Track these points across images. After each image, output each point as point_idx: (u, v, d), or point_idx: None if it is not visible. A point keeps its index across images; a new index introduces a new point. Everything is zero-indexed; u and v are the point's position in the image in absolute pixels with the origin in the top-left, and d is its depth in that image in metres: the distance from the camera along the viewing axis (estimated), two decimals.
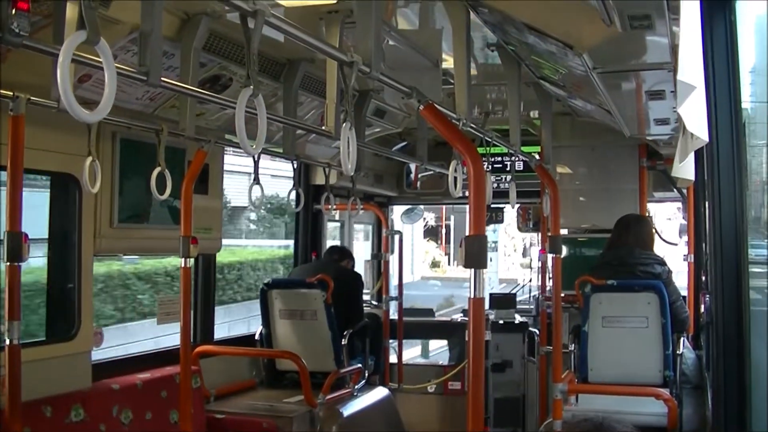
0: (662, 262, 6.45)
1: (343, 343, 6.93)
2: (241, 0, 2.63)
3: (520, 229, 10.40)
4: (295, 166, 6.41)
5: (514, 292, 10.40)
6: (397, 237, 9.16)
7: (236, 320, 17.59)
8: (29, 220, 3.93)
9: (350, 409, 6.65)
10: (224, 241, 6.52)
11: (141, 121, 4.81)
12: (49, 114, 3.80)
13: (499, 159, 9.10)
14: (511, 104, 5.81)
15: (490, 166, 6.32)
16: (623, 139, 7.28)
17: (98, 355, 5.49)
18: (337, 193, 7.72)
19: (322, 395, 6.35)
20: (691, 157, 4.27)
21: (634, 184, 8.56)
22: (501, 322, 8.47)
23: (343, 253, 7.91)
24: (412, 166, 9.54)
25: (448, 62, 5.02)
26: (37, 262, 4.91)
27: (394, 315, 8.68)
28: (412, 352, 8.98)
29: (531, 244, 35.28)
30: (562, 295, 6.14)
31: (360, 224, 10.23)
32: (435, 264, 40.62)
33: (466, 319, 3.72)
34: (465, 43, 4.60)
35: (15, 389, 3.88)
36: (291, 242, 8.46)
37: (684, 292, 7.29)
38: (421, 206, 11.37)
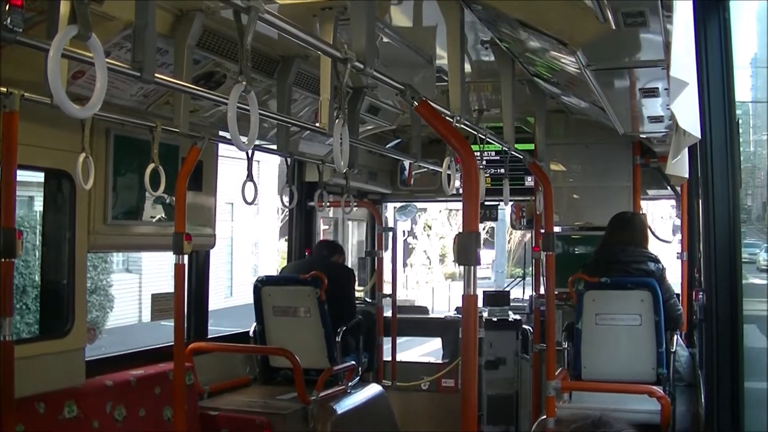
0: (656, 260, 6.45)
1: (336, 340, 6.93)
2: None
3: (513, 226, 10.42)
4: (289, 163, 6.40)
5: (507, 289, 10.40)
6: (390, 234, 9.18)
7: None
8: None
9: (344, 406, 6.64)
10: None
11: (135, 117, 4.80)
12: (43, 110, 3.80)
13: (493, 156, 9.09)
14: (505, 101, 5.81)
15: (483, 163, 6.33)
16: (617, 136, 7.28)
17: None
18: (331, 190, 7.72)
19: (315, 392, 6.34)
20: (685, 154, 4.28)
21: (628, 181, 8.58)
22: (495, 319, 8.49)
23: (334, 248, 7.89)
24: (406, 163, 9.54)
25: (442, 59, 5.02)
26: None
27: (387, 312, 8.69)
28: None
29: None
30: (556, 292, 6.15)
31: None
32: None
33: (460, 316, 3.73)
34: (459, 40, 4.60)
35: (8, 385, 3.87)
36: None
37: (677, 290, 7.30)
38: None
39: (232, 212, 27.37)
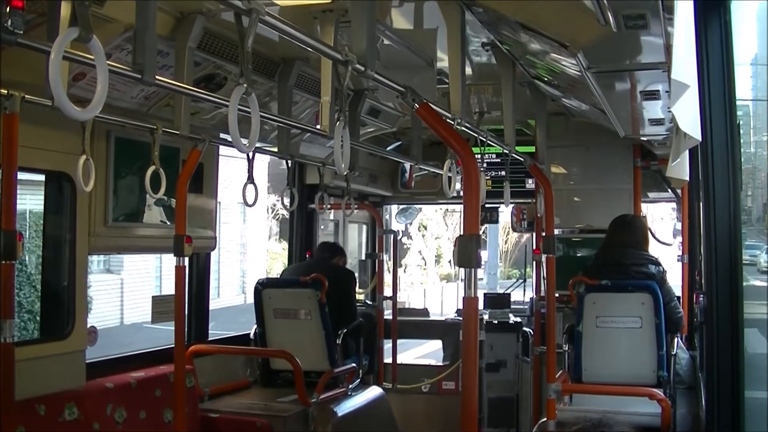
0: (656, 263, 6.45)
1: (337, 342, 6.93)
2: None
3: (514, 228, 10.42)
4: (290, 165, 6.40)
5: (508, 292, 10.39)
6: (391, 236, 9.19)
7: None
8: None
9: (344, 408, 6.64)
10: None
11: (135, 119, 4.80)
12: (43, 112, 3.80)
13: (494, 159, 9.09)
14: (506, 104, 5.81)
15: (484, 165, 6.32)
16: (618, 139, 7.27)
17: None
18: (331, 192, 7.72)
19: (316, 394, 6.34)
20: (686, 157, 4.28)
21: (629, 184, 8.57)
22: (495, 321, 8.49)
23: (335, 251, 7.89)
24: (407, 166, 9.54)
25: (442, 62, 5.01)
26: None
27: (388, 314, 8.69)
28: None
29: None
30: (557, 295, 6.14)
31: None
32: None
33: (461, 318, 3.73)
34: (459, 43, 4.60)
35: (8, 387, 3.87)
36: None
37: (678, 292, 7.30)
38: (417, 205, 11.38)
39: (220, 212, 27.10)
